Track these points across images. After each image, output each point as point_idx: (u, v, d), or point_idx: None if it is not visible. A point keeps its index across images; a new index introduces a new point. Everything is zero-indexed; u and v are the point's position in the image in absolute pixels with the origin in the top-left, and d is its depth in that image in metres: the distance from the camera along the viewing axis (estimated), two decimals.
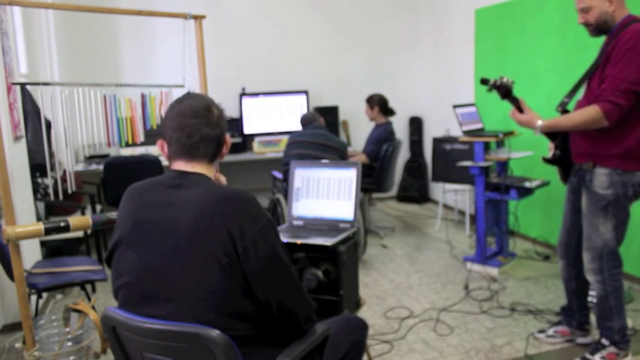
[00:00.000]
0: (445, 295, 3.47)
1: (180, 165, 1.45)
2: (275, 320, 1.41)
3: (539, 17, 4.28)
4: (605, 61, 2.31)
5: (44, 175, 3.75)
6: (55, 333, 2.47)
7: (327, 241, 2.04)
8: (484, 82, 2.57)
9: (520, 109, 2.52)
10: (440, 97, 5.81)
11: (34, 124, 3.55)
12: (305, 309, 1.48)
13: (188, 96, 1.49)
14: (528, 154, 3.86)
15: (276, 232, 1.41)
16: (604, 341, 2.53)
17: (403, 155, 6.10)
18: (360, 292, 2.34)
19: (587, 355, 2.55)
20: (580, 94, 2.53)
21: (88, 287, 3.16)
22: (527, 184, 3.66)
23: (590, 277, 2.51)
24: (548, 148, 2.66)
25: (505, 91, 2.54)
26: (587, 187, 2.45)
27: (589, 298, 3.19)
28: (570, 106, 2.53)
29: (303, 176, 2.36)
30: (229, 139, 1.53)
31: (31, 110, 3.57)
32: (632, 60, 2.20)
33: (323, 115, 4.46)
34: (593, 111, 2.26)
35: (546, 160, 2.66)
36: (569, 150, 2.55)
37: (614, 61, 2.24)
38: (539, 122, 2.43)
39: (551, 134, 2.59)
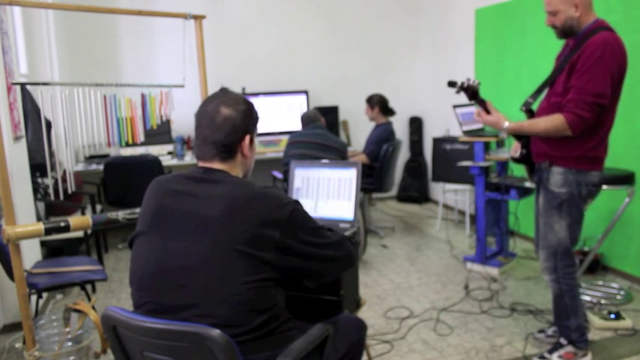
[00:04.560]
0: (445, 295, 3.47)
1: (203, 163, 1.51)
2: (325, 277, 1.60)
3: (539, 17, 4.26)
4: (570, 68, 2.32)
5: (44, 175, 3.75)
6: (55, 333, 2.47)
7: None
8: (452, 84, 2.55)
9: (487, 111, 2.52)
10: (440, 97, 5.80)
11: (34, 124, 3.55)
12: (343, 249, 1.57)
13: (212, 95, 1.54)
14: None
15: (304, 210, 1.47)
16: (562, 340, 2.55)
17: (403, 155, 6.10)
18: (360, 292, 2.34)
19: (545, 354, 2.56)
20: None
21: (88, 287, 3.17)
22: (528, 184, 3.66)
23: (545, 276, 2.53)
24: (513, 149, 2.67)
25: (472, 93, 2.53)
26: (544, 186, 2.48)
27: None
28: (534, 106, 2.55)
29: (303, 176, 2.36)
30: (247, 139, 1.50)
31: (31, 110, 3.57)
32: (598, 72, 2.21)
33: (323, 115, 4.45)
34: (558, 120, 2.29)
35: (514, 160, 2.68)
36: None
37: (580, 72, 2.25)
38: (507, 124, 2.44)
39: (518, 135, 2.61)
